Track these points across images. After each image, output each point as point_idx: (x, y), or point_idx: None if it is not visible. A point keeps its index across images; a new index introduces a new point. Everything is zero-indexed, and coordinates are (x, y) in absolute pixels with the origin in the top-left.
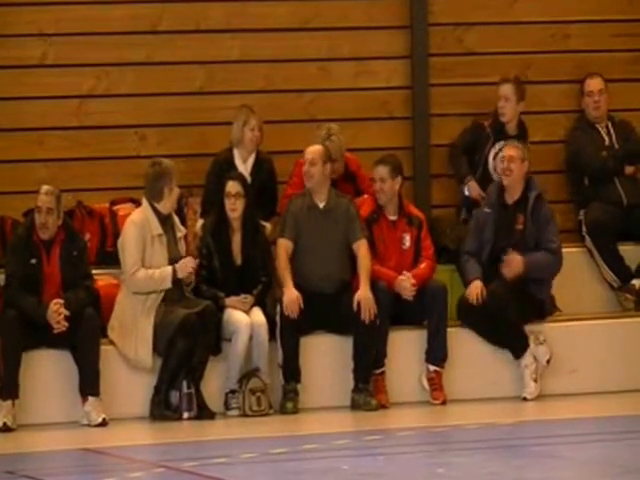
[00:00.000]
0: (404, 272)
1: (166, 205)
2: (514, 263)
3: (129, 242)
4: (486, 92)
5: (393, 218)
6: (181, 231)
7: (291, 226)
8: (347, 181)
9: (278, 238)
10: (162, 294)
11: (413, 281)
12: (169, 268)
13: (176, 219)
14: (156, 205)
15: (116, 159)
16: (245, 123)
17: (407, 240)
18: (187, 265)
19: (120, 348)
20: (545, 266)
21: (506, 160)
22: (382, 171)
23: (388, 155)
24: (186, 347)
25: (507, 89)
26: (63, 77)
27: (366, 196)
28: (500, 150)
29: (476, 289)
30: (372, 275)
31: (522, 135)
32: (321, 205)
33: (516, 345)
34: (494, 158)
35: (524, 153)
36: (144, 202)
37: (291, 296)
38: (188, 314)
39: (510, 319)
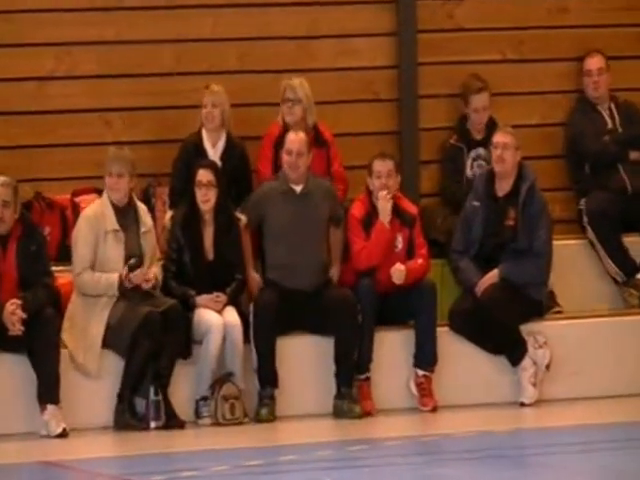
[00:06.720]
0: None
1: (116, 197)
2: (486, 280)
3: (79, 239)
4: (478, 71)
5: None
6: (145, 225)
7: (252, 207)
8: (320, 146)
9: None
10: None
11: (403, 267)
12: (114, 276)
13: (142, 211)
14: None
15: (78, 146)
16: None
17: (399, 242)
18: (137, 277)
19: (70, 350)
20: (527, 275)
21: (500, 147)
22: (389, 164)
23: (383, 151)
24: (149, 349)
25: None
26: (20, 58)
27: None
28: (477, 158)
29: (490, 279)
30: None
31: (489, 136)
32: (298, 189)
33: (513, 352)
34: (471, 168)
35: (517, 140)
36: (104, 194)
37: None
38: (150, 312)
39: (506, 323)
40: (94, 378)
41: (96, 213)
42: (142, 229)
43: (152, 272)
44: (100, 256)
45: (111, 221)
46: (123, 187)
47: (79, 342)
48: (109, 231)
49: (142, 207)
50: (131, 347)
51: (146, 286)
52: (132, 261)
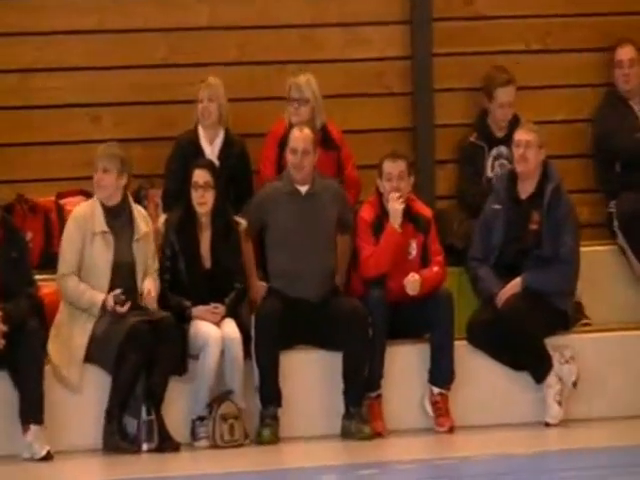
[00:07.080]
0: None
1: (101, 195)
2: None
3: (65, 240)
4: (499, 63)
5: None
6: (139, 231)
7: (254, 209)
8: (329, 149)
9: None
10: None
11: (417, 277)
12: (99, 298)
13: (137, 215)
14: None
15: (63, 144)
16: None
17: (413, 248)
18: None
19: (54, 362)
20: (552, 284)
21: (522, 145)
22: (401, 165)
23: (395, 151)
24: (137, 362)
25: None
26: (0, 48)
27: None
28: (498, 157)
29: (512, 289)
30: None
31: (511, 133)
32: (303, 190)
33: (537, 368)
34: (492, 169)
35: (541, 138)
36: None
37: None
38: (138, 322)
39: (530, 337)
40: (76, 392)
41: (85, 214)
42: (136, 235)
43: (153, 289)
44: (87, 260)
45: (100, 222)
46: (110, 184)
47: (63, 353)
48: (97, 232)
49: (139, 210)
50: (117, 361)
51: (150, 304)
52: (119, 293)
